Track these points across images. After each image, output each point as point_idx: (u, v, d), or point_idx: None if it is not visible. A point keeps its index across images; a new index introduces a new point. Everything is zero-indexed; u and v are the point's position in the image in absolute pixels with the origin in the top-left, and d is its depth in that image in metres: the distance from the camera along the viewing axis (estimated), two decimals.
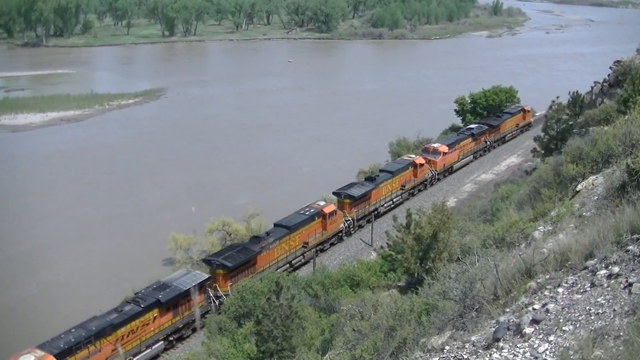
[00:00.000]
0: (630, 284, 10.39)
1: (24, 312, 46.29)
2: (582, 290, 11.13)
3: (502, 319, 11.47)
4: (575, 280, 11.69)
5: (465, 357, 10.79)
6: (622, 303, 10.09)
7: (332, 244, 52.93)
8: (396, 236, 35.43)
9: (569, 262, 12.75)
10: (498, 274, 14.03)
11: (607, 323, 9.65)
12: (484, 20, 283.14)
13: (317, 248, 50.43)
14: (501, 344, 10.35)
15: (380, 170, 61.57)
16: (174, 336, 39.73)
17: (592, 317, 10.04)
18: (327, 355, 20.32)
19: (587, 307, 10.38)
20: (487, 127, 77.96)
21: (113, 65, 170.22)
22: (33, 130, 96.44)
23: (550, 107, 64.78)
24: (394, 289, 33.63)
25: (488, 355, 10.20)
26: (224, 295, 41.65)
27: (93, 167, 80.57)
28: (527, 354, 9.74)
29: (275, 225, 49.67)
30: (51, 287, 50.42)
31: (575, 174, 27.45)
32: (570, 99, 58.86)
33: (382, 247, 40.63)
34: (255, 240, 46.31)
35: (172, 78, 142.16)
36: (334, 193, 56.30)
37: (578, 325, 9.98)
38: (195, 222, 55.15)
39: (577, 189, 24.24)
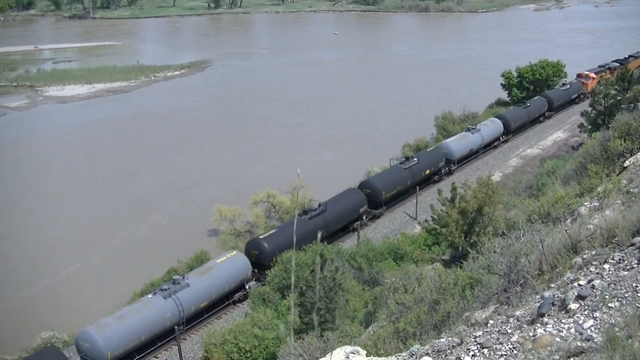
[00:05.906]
0: None
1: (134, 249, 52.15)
2: (628, 267, 11.05)
3: (547, 294, 11.45)
4: (622, 256, 11.60)
5: (509, 331, 10.80)
6: None
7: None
8: (441, 210, 35.34)
9: (616, 239, 12.65)
10: (543, 249, 13.97)
11: None
12: None
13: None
14: (546, 320, 10.34)
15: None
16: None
17: (639, 294, 9.98)
18: (370, 327, 20.43)
19: (634, 284, 10.31)
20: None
21: (159, 37, 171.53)
22: (81, 102, 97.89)
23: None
24: (438, 263, 33.69)
25: (532, 331, 10.20)
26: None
27: (175, 129, 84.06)
28: (572, 330, 9.72)
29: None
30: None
31: (623, 149, 27.12)
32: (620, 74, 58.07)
33: (426, 221, 40.50)
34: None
35: (218, 50, 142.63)
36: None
37: (624, 302, 9.92)
38: (286, 177, 58.76)
39: (625, 165, 23.98)
